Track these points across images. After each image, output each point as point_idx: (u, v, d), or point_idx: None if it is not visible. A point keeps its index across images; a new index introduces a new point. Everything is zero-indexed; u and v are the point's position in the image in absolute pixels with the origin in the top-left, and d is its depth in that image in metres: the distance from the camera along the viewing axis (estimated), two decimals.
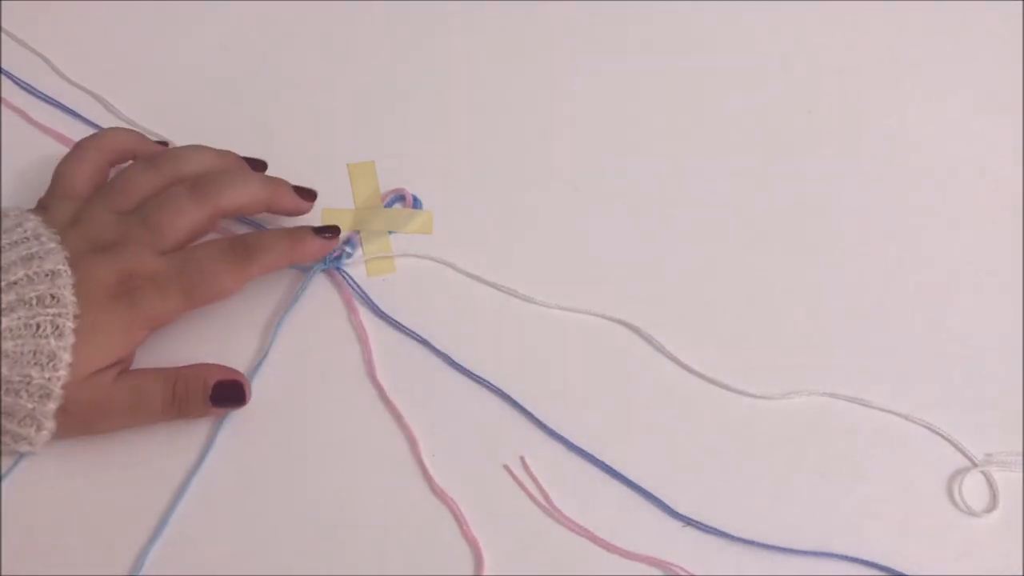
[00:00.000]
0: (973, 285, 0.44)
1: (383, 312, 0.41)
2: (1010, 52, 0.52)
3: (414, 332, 0.40)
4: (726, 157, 0.47)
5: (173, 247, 0.37)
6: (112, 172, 0.41)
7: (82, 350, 0.34)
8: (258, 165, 0.42)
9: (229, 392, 0.37)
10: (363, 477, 0.37)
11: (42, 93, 0.45)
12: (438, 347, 0.40)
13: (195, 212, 0.38)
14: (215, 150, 0.41)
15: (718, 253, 0.44)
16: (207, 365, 0.38)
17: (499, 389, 0.39)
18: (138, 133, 0.42)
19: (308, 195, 0.42)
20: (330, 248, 0.40)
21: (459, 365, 0.40)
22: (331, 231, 0.40)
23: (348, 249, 0.42)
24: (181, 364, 0.38)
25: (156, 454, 0.37)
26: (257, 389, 0.38)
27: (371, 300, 0.41)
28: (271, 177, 0.41)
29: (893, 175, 0.47)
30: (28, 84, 0.46)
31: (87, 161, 0.40)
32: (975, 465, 0.39)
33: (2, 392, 0.33)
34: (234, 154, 0.42)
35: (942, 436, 0.40)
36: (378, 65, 0.48)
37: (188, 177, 0.39)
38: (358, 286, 0.41)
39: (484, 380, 0.40)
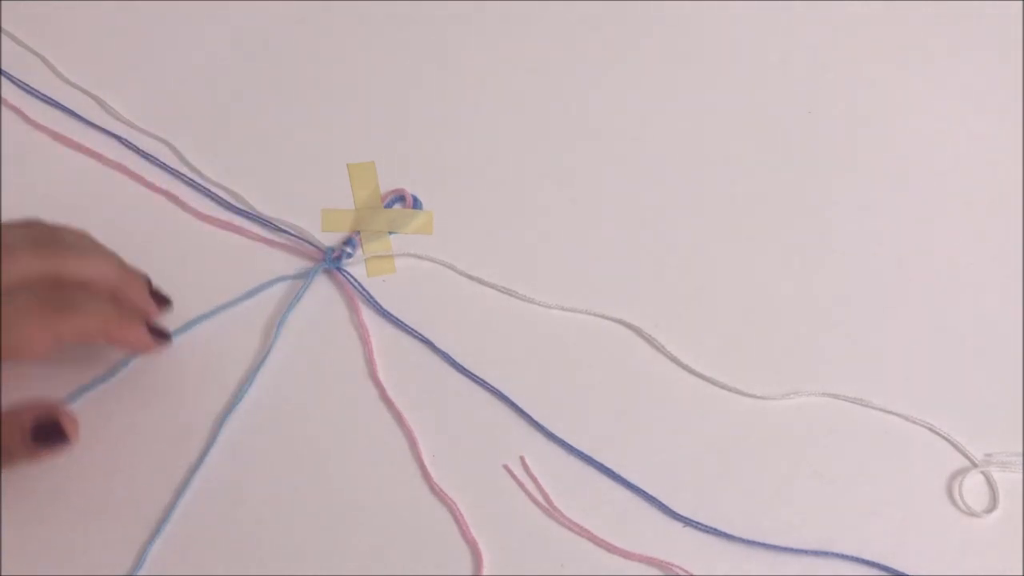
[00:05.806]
0: (973, 285, 0.44)
1: (385, 310, 0.41)
2: (1010, 52, 0.52)
3: (416, 331, 0.40)
4: (726, 157, 0.47)
5: None
6: None
7: None
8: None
9: (50, 430, 0.32)
10: (363, 477, 0.37)
11: (40, 93, 0.45)
12: (439, 347, 0.40)
13: (31, 260, 0.32)
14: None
15: (718, 253, 0.44)
16: (22, 407, 0.32)
17: (500, 392, 0.39)
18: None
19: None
20: (150, 350, 0.36)
21: (460, 365, 0.40)
22: (164, 336, 0.36)
23: (348, 249, 0.42)
24: (180, 359, 0.37)
25: (157, 452, 0.37)
26: (258, 388, 0.38)
27: (373, 298, 0.41)
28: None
29: (893, 175, 0.47)
30: (26, 84, 0.45)
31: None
32: (975, 465, 0.39)
33: None
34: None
35: (942, 436, 0.40)
36: (378, 65, 0.48)
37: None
38: (360, 285, 0.41)
39: (485, 382, 0.39)
